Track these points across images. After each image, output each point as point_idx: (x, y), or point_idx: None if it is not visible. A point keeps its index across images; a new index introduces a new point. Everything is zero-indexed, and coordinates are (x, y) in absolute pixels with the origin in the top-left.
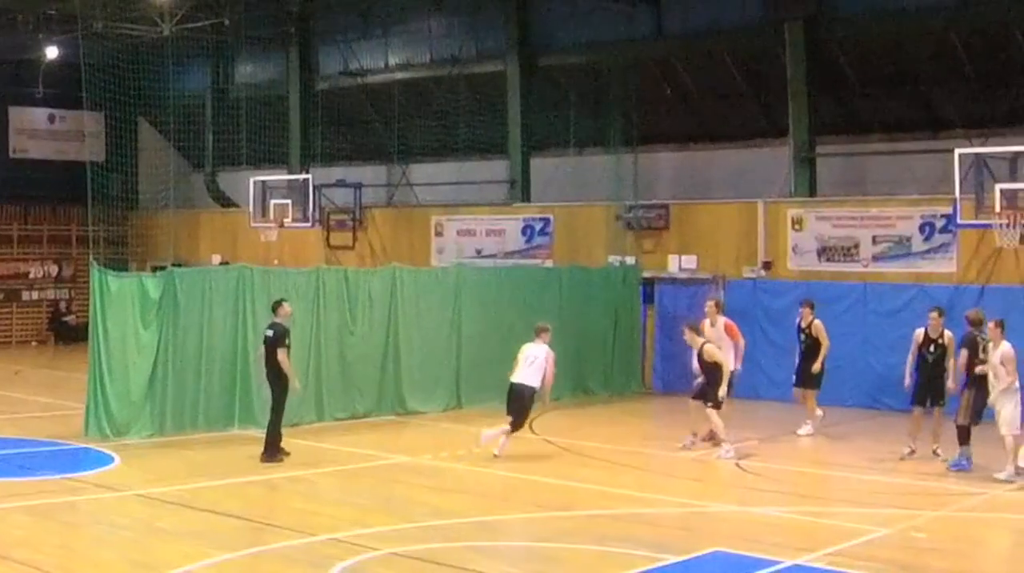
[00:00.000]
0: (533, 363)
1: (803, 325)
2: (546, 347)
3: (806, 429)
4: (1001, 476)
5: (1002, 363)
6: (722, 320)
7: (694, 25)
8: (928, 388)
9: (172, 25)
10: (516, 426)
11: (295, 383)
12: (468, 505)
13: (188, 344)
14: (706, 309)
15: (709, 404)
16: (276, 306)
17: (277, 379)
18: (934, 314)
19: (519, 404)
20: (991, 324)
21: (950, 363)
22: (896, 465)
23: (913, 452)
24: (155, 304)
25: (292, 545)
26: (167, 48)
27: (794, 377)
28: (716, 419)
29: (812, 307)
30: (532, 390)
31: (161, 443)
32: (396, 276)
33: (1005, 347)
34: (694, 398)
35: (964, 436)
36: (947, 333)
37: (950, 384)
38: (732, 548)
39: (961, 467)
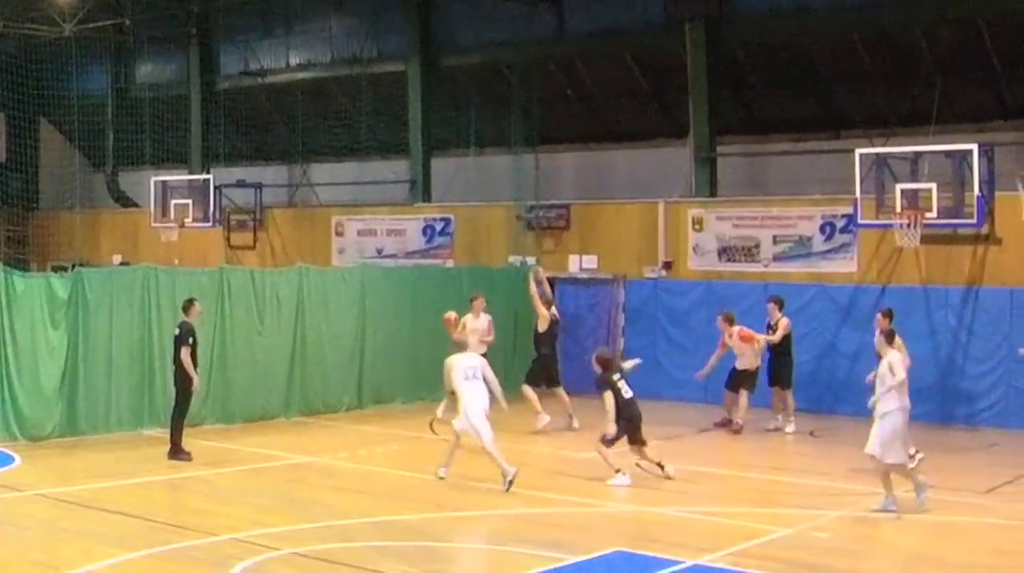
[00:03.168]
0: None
1: (771, 322)
2: None
3: (791, 426)
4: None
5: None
6: (736, 329)
7: (595, 25)
8: None
9: (73, 25)
10: None
11: (196, 382)
12: (369, 505)
13: (97, 344)
14: (719, 324)
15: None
16: (187, 305)
17: (180, 378)
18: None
19: None
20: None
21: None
22: (798, 464)
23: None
24: (64, 304)
25: (194, 545)
26: (68, 48)
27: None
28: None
29: (781, 305)
30: None
31: (68, 444)
32: (303, 276)
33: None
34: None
35: None
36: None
37: None
38: (633, 548)
39: None
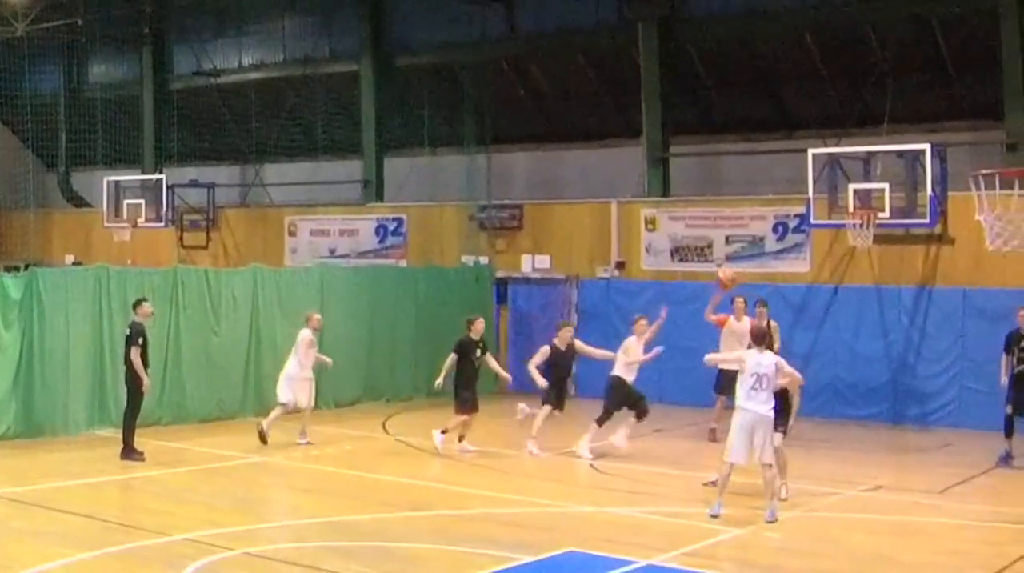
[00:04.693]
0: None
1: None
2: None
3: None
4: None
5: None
6: (747, 319)
7: (548, 25)
8: None
9: (25, 25)
10: None
11: (146, 382)
12: (323, 505)
13: (51, 345)
14: (734, 306)
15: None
16: (136, 305)
17: (131, 378)
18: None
19: None
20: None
21: None
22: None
23: None
24: (16, 304)
25: (147, 545)
26: (21, 48)
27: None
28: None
29: (766, 305)
30: None
31: (22, 444)
32: (258, 276)
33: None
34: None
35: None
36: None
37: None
38: (587, 548)
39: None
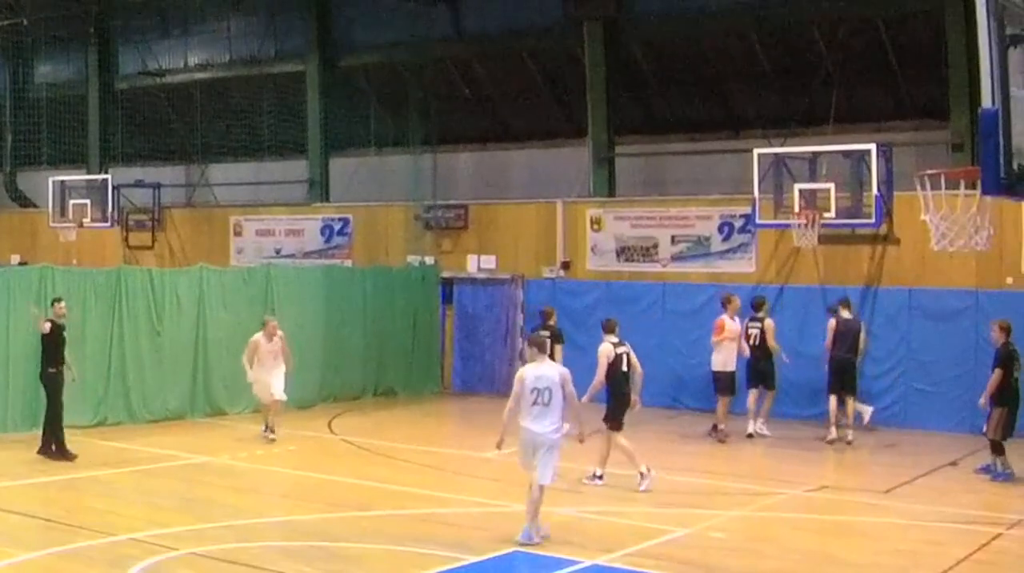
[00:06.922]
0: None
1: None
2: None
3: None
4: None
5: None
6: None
7: (493, 25)
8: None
9: None
10: None
11: (73, 374)
12: (267, 505)
13: None
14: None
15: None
16: (52, 305)
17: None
18: None
19: None
20: None
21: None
22: (694, 464)
23: None
24: None
25: (92, 545)
26: None
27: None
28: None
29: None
30: None
31: None
32: (203, 276)
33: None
34: None
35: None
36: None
37: (981, 401)
38: (532, 549)
39: (998, 475)
